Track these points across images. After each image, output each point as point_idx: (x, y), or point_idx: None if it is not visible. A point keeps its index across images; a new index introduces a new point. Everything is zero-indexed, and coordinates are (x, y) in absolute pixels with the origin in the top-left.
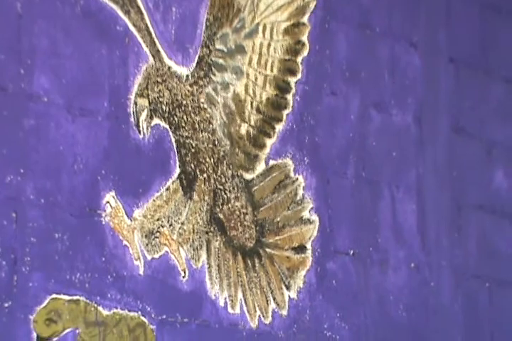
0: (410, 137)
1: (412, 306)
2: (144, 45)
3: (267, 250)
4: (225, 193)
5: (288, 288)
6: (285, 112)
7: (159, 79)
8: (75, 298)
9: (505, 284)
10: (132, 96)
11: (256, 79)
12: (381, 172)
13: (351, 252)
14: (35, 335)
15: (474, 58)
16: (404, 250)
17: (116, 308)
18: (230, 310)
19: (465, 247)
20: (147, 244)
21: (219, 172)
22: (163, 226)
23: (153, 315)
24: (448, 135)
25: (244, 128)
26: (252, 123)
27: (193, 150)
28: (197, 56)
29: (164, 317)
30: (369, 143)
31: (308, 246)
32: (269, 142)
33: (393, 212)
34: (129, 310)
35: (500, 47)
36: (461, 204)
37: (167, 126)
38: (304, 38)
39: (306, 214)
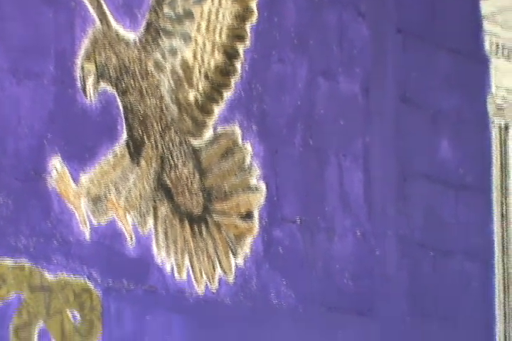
0: (357, 106)
1: (357, 274)
2: (91, 9)
3: (214, 217)
4: (173, 160)
5: (235, 255)
6: (233, 79)
7: (106, 44)
8: (19, 262)
9: (448, 253)
10: (79, 61)
11: (204, 45)
12: (328, 141)
13: (298, 220)
14: None
15: (422, 29)
16: (351, 218)
17: (62, 274)
18: (176, 276)
19: (410, 216)
20: (94, 210)
21: (166, 138)
22: (109, 192)
23: (99, 281)
24: (395, 104)
25: (192, 95)
26: (200, 89)
27: (140, 115)
28: (145, 21)
29: (110, 283)
30: (317, 111)
31: (256, 213)
32: (217, 109)
33: (340, 180)
34: (75, 276)
35: (448, 18)
36: (407, 174)
37: (114, 91)
38: (253, 5)
39: (253, 182)
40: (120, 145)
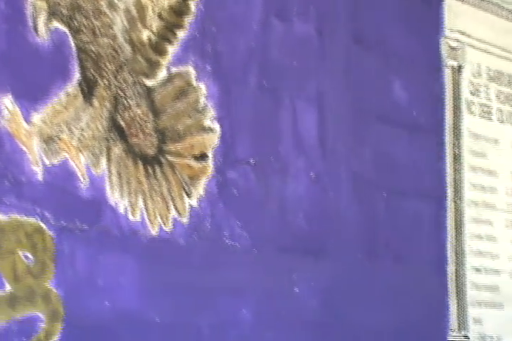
0: (312, 47)
1: (311, 215)
2: None
3: (168, 158)
4: (126, 100)
5: (189, 196)
6: (187, 19)
7: None
8: None
9: (401, 193)
10: None
11: None
12: (282, 82)
13: (252, 161)
14: None
15: None
16: (305, 160)
17: (14, 215)
18: (130, 217)
19: (364, 157)
20: (46, 150)
21: (120, 78)
22: (62, 132)
23: (52, 222)
24: (348, 46)
25: (145, 35)
26: (154, 29)
27: (93, 55)
28: None
29: (63, 223)
30: (271, 52)
31: (210, 154)
32: (171, 49)
33: (294, 121)
34: (27, 216)
35: None
36: (361, 114)
37: (67, 30)
38: None
39: (207, 123)
40: (73, 85)
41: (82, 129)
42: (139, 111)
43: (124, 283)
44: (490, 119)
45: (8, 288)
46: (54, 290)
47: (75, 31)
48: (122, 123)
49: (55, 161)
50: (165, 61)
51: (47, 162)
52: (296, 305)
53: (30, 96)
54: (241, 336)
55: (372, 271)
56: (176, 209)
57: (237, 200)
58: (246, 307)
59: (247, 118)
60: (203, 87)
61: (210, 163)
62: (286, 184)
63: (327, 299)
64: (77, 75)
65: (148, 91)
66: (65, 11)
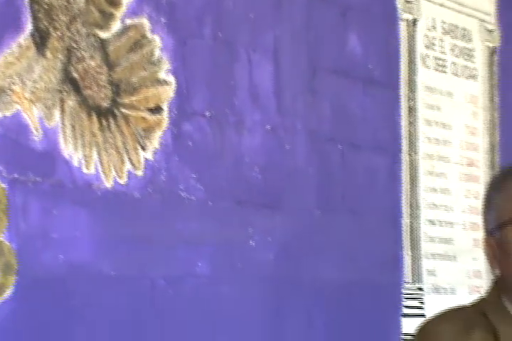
0: None
1: (267, 168)
2: None
3: (123, 110)
4: (80, 52)
5: (144, 148)
6: None
7: None
8: None
9: (356, 146)
10: None
11: None
12: (238, 34)
13: (207, 114)
14: None
15: None
16: (260, 112)
17: None
18: (84, 170)
19: (320, 110)
20: None
21: (73, 30)
22: (14, 84)
23: (4, 174)
24: None
25: None
26: None
27: (45, 6)
28: None
29: (16, 176)
30: (226, 3)
31: (165, 107)
32: (125, 1)
33: (249, 74)
34: None
35: None
36: (317, 68)
37: None
38: None
39: (162, 75)
40: (25, 37)
41: (35, 81)
42: (92, 63)
43: (78, 236)
44: (444, 72)
45: None
46: (7, 242)
47: None
48: (76, 75)
49: (8, 113)
50: (119, 13)
51: None
52: (252, 258)
53: None
54: (196, 289)
55: (327, 224)
56: (131, 162)
57: (193, 153)
58: (201, 261)
59: (203, 70)
60: (157, 39)
61: (165, 115)
62: (241, 137)
63: (283, 252)
64: (29, 26)
65: (102, 43)
66: None
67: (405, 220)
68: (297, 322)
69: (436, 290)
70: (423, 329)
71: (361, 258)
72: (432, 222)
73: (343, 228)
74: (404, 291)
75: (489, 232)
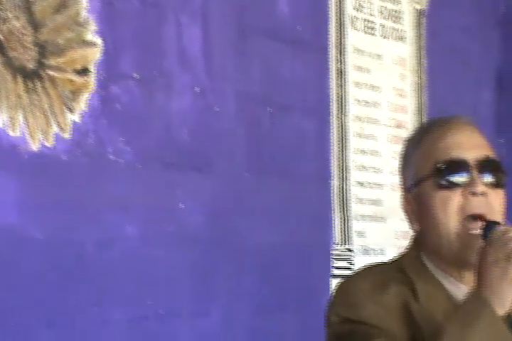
0: None
1: (196, 130)
2: None
3: (49, 72)
4: (4, 12)
5: (71, 111)
6: None
7: None
8: None
9: (286, 109)
10: None
11: None
12: None
13: (136, 76)
14: None
15: None
16: (189, 75)
17: None
18: (10, 132)
19: (249, 72)
20: None
21: None
22: None
23: None
24: None
25: None
26: None
27: None
28: None
29: None
30: None
31: (92, 69)
32: None
33: (178, 36)
34: None
35: None
36: (246, 30)
37: None
38: None
39: (89, 37)
40: None
41: None
42: (17, 24)
43: (5, 199)
44: (373, 35)
45: None
46: None
47: None
48: (0, 36)
49: None
50: None
51: None
52: (182, 220)
53: None
54: (125, 252)
55: (257, 186)
56: (58, 124)
57: (121, 116)
58: (130, 224)
59: (130, 32)
60: (83, 0)
61: (92, 77)
62: (170, 99)
63: (212, 215)
64: None
65: (28, 3)
66: None
67: (334, 182)
68: (227, 285)
69: (366, 251)
70: (341, 287)
71: (291, 220)
72: (361, 184)
73: (272, 190)
74: (333, 252)
75: (407, 189)
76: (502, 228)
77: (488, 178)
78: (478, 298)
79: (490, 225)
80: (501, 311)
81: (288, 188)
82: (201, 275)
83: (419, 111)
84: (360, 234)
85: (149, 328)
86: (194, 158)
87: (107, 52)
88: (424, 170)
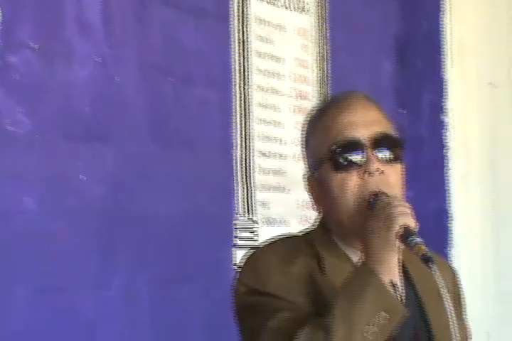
0: None
1: (97, 101)
2: None
3: None
4: None
5: None
6: None
7: None
8: None
9: (188, 79)
10: None
11: None
12: None
13: (35, 46)
14: None
15: None
16: (89, 44)
17: None
18: None
19: (150, 42)
20: None
21: None
22: None
23: None
24: None
25: None
26: None
27: None
28: None
29: None
30: None
31: None
32: None
33: (77, 4)
34: None
35: None
36: None
37: None
38: None
39: None
40: None
41: None
42: None
43: None
44: (276, 5)
45: None
46: None
47: None
48: None
49: None
50: None
51: None
52: (83, 192)
53: None
54: (25, 224)
55: (160, 157)
56: None
57: (20, 86)
58: (29, 195)
59: (28, 1)
60: None
61: None
62: (70, 69)
63: (115, 186)
64: None
65: None
66: None
67: (237, 152)
68: (130, 256)
69: (269, 221)
70: (250, 258)
71: (194, 191)
72: (264, 154)
73: (175, 161)
74: (236, 223)
75: (310, 171)
76: (385, 199)
77: (385, 154)
78: (364, 268)
79: (377, 197)
80: (387, 278)
81: (191, 159)
82: (104, 247)
83: (322, 81)
84: (264, 205)
85: (51, 301)
86: (95, 129)
87: (4, 22)
88: (321, 153)
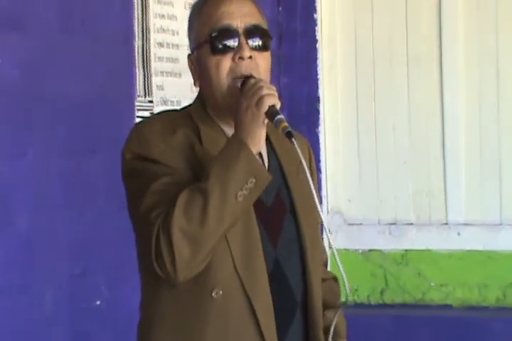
0: None
1: None
2: None
3: None
4: None
5: None
6: None
7: None
8: None
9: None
10: None
11: None
12: None
13: None
14: None
15: None
16: None
17: None
18: None
19: None
20: None
21: None
22: None
23: None
24: None
25: None
26: None
27: None
28: None
29: None
30: None
31: None
32: None
33: None
34: None
35: None
36: None
37: None
38: None
39: None
40: None
41: None
42: None
43: None
44: None
45: None
46: None
47: None
48: None
49: None
50: None
51: None
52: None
53: None
54: None
55: (67, 44)
56: None
57: None
58: None
59: None
60: None
61: None
62: None
63: (27, 71)
64: None
65: None
66: None
67: (137, 42)
68: (42, 132)
69: (164, 102)
70: (136, 128)
71: (99, 76)
72: (160, 44)
73: (81, 49)
74: (136, 104)
75: (191, 50)
76: (253, 80)
77: (256, 42)
78: (236, 140)
79: (246, 79)
80: (255, 149)
81: (97, 47)
82: (16, 124)
83: None
84: (160, 88)
85: None
86: (7, 16)
87: None
88: (202, 37)
